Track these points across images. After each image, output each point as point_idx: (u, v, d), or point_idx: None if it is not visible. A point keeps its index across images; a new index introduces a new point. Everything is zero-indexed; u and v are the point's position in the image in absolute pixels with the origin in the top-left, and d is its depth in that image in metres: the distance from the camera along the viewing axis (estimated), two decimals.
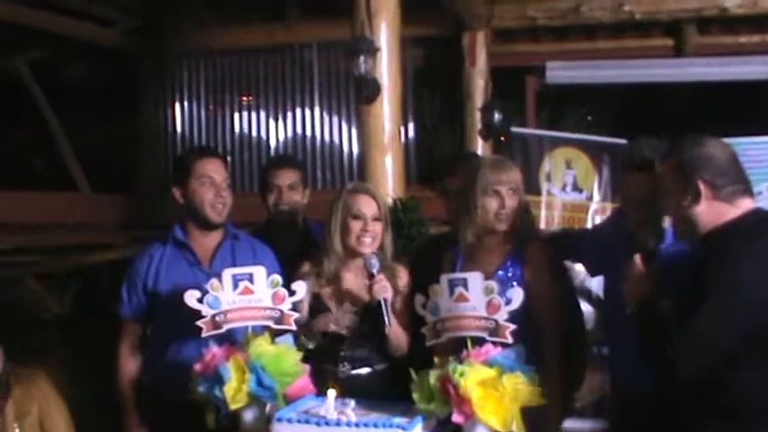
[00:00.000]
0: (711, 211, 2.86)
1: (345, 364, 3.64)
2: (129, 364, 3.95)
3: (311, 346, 3.59)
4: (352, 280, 3.70)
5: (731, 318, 2.70)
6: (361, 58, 5.00)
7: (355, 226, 3.65)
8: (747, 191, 2.92)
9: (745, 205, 2.89)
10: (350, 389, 3.35)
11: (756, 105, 7.90)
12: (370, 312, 3.58)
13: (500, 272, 3.46)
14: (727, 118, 7.50)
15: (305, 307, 3.68)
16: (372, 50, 5.04)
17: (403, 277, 3.71)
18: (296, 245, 4.34)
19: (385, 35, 5.13)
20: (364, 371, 3.65)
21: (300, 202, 4.60)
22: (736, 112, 7.90)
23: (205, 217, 3.86)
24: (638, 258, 2.97)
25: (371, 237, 3.65)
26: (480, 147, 7.80)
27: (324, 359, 3.60)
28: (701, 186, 2.85)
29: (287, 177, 4.63)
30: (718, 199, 2.86)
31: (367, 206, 3.68)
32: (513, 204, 3.55)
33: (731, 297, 2.71)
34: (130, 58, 8.97)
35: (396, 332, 3.57)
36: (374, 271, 3.52)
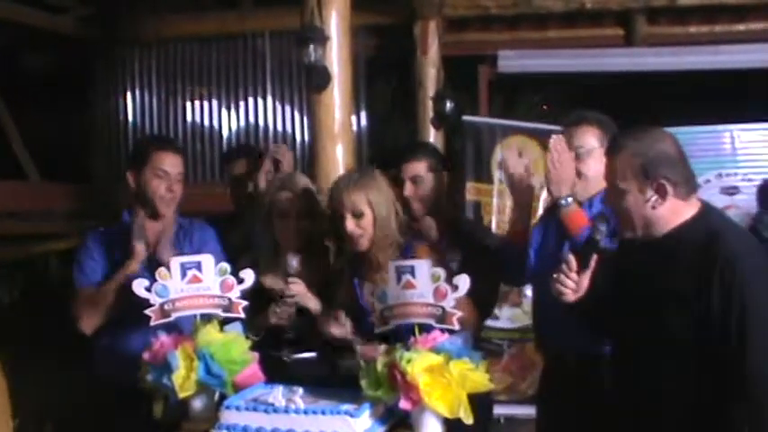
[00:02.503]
0: (673, 210, 2.81)
1: (288, 348, 3.68)
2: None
3: (257, 338, 3.61)
4: (273, 283, 3.73)
5: None
6: (311, 47, 4.97)
7: (278, 224, 3.76)
8: (696, 185, 2.88)
9: (695, 201, 2.87)
10: (295, 373, 3.40)
11: (705, 95, 8.02)
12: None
13: None
14: (678, 107, 7.62)
15: None
16: (322, 39, 5.01)
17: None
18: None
19: (335, 23, 5.10)
20: (308, 355, 3.68)
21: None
22: (687, 101, 8.02)
23: (153, 208, 3.88)
24: (572, 262, 2.97)
25: (296, 233, 3.74)
26: (432, 136, 7.82)
27: (268, 345, 3.61)
28: (666, 185, 2.78)
29: (238, 168, 4.69)
30: (678, 197, 2.80)
31: (290, 204, 3.76)
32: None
33: None
34: (83, 45, 8.87)
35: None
36: (291, 272, 3.59)
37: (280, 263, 3.73)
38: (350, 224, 3.55)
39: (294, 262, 3.61)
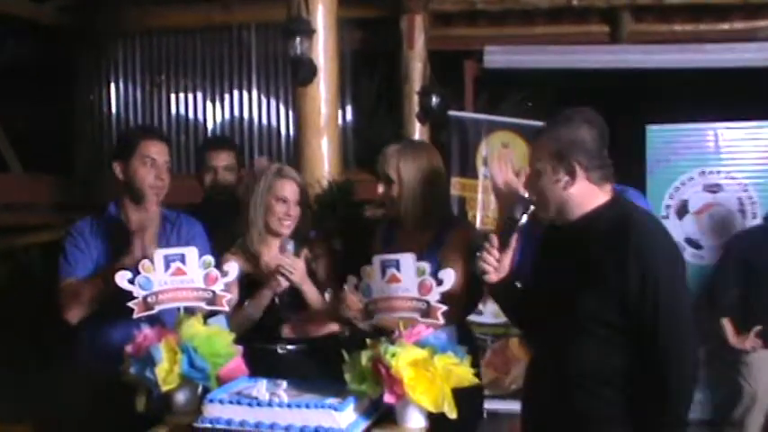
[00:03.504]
0: (584, 193, 2.93)
1: (283, 341, 3.73)
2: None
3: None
4: (273, 257, 3.78)
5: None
6: (297, 40, 4.98)
7: (279, 209, 3.80)
8: (611, 175, 3.00)
9: (609, 189, 2.99)
10: (288, 365, 3.41)
11: (690, 93, 8.04)
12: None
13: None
14: (663, 104, 7.64)
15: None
16: (308, 32, 5.01)
17: (320, 254, 3.91)
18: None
19: (322, 16, 5.11)
20: (302, 346, 3.73)
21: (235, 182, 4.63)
22: (671, 99, 8.03)
23: (143, 197, 3.82)
24: (495, 240, 3.08)
25: (292, 220, 3.83)
26: (418, 130, 7.83)
27: (260, 338, 3.62)
28: (577, 167, 2.90)
29: (222, 159, 4.67)
30: (590, 181, 2.93)
31: (291, 191, 3.84)
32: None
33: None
34: (65, 36, 8.82)
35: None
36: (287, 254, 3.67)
37: (270, 244, 3.83)
38: (379, 188, 3.66)
39: (290, 246, 3.68)
